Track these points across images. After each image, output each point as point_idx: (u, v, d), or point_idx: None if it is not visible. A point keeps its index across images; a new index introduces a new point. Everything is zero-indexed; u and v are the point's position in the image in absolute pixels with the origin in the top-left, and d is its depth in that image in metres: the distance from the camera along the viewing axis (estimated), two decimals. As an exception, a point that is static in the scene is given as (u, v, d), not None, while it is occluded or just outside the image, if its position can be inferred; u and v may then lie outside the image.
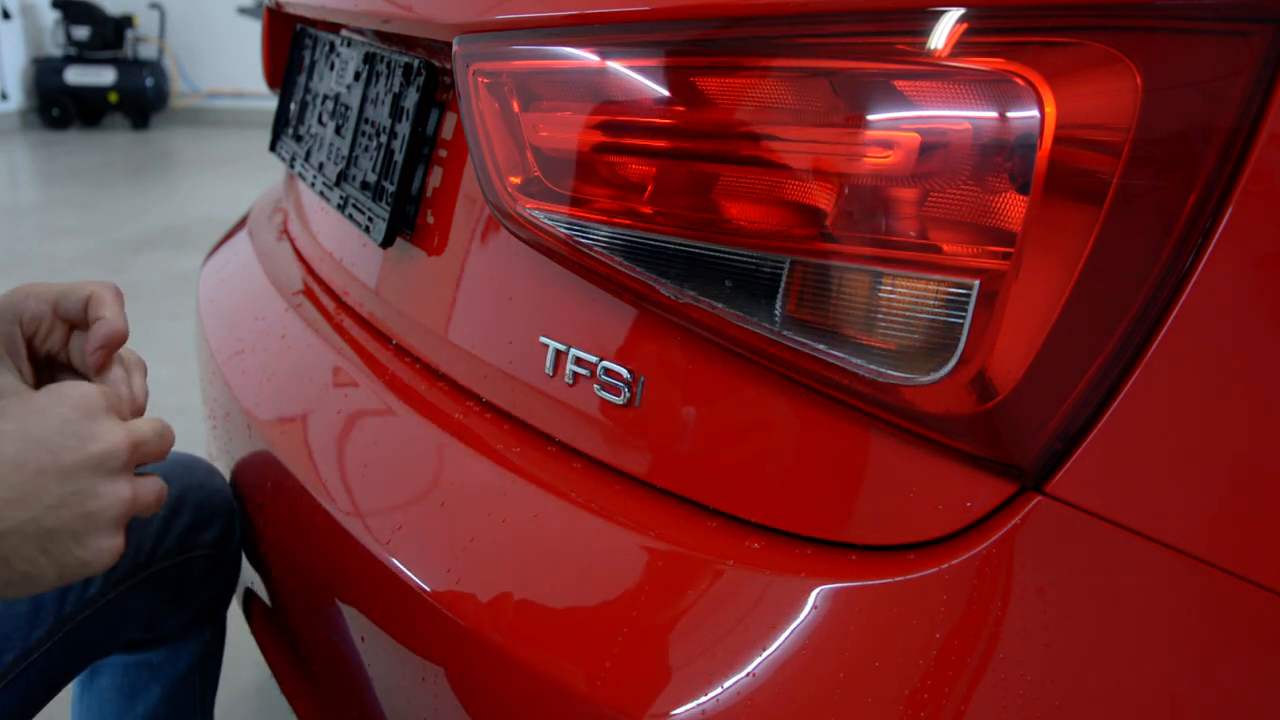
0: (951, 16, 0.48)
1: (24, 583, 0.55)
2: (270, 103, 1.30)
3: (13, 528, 0.53)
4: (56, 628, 0.80)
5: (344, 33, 1.05)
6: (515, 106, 0.66)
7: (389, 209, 0.85)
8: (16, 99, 6.88)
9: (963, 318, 0.50)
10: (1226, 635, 0.47)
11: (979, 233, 0.49)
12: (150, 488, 0.61)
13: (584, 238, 0.63)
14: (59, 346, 0.68)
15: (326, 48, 1.09)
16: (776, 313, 0.55)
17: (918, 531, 0.53)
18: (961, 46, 0.48)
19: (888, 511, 0.54)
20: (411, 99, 0.84)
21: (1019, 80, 0.47)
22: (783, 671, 0.52)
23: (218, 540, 0.93)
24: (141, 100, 6.92)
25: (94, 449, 0.56)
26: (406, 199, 0.85)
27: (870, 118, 0.51)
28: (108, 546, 0.57)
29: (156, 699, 0.99)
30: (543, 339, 0.69)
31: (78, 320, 0.67)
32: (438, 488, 0.71)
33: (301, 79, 1.18)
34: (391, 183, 0.85)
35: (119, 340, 0.65)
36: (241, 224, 1.39)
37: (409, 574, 0.66)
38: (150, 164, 5.97)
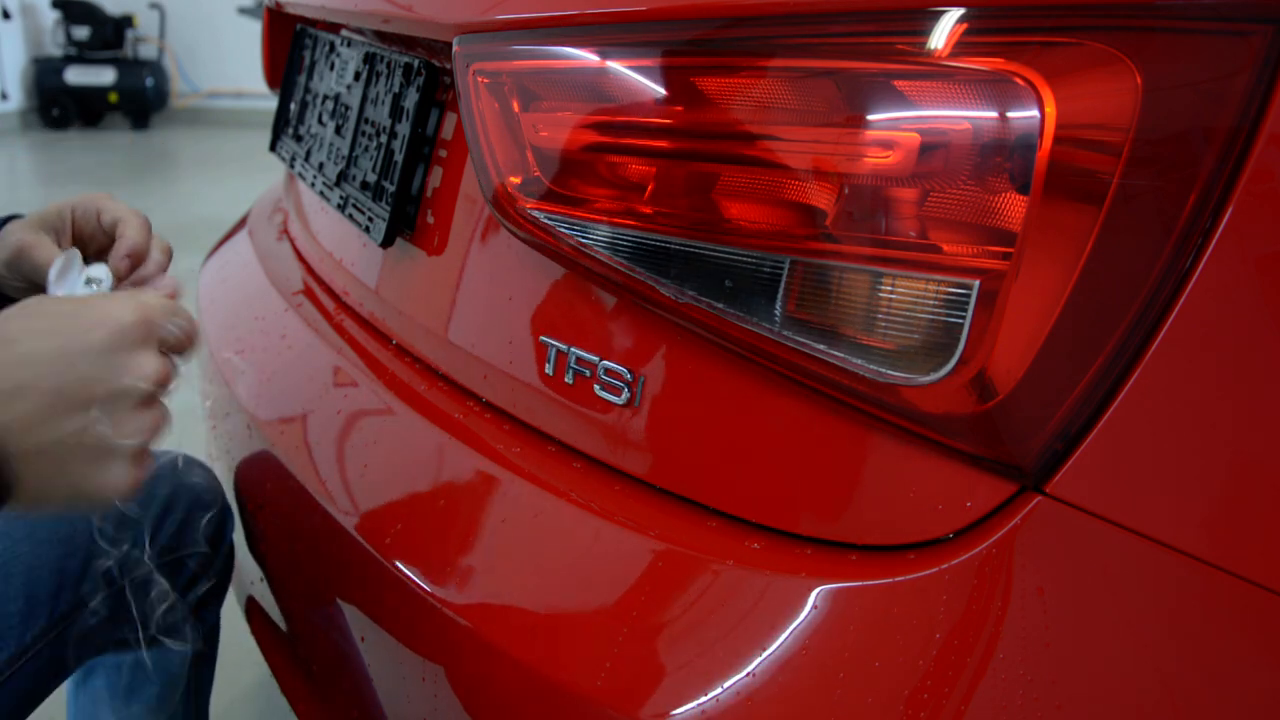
0: (951, 16, 0.48)
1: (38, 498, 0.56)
2: (270, 103, 1.30)
3: (36, 447, 0.54)
4: (51, 627, 0.80)
5: (344, 33, 1.05)
6: (515, 106, 0.66)
7: (389, 209, 0.85)
8: (16, 99, 6.88)
9: (963, 318, 0.50)
10: (1226, 635, 0.47)
11: (979, 233, 0.49)
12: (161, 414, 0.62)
13: (584, 238, 0.62)
14: (92, 247, 0.77)
15: (326, 48, 1.09)
16: (776, 313, 0.55)
17: (918, 531, 0.53)
18: (961, 46, 0.48)
19: (888, 511, 0.54)
20: (411, 99, 0.84)
21: (1019, 80, 0.47)
22: (783, 671, 0.52)
23: (211, 538, 0.93)
24: (141, 100, 6.92)
25: (126, 382, 0.57)
26: (406, 199, 0.85)
27: (870, 118, 0.51)
28: (120, 477, 0.58)
29: (151, 697, 0.99)
30: (543, 339, 0.69)
31: (107, 235, 0.77)
32: (437, 488, 0.71)
33: (301, 79, 1.18)
34: (391, 183, 0.85)
35: (138, 255, 0.75)
36: (241, 224, 1.39)
37: (409, 574, 0.66)
38: (150, 164, 5.97)
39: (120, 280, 0.75)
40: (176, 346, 0.63)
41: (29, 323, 0.56)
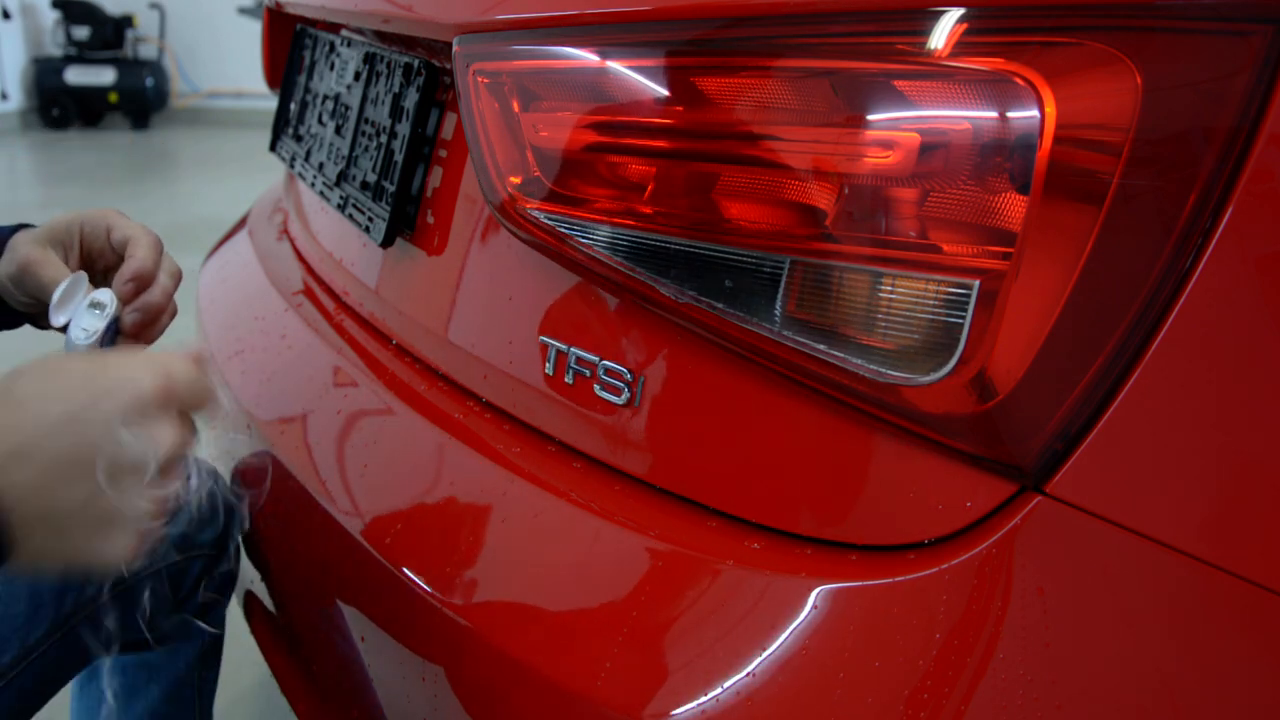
0: (951, 16, 0.48)
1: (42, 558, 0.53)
2: (270, 103, 1.30)
3: (38, 512, 0.52)
4: (55, 628, 0.80)
5: (344, 33, 1.05)
6: (515, 106, 0.66)
7: (389, 209, 0.85)
8: (16, 99, 6.88)
9: (963, 318, 0.50)
10: (1226, 635, 0.47)
11: (979, 233, 0.49)
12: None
13: (584, 238, 0.63)
14: (100, 264, 0.76)
15: (326, 48, 1.09)
16: (776, 313, 0.55)
17: (918, 531, 0.53)
18: (961, 46, 0.48)
19: (888, 511, 0.54)
20: (411, 99, 0.84)
21: (1019, 80, 0.47)
22: (783, 671, 0.52)
23: (216, 540, 0.93)
24: (141, 100, 6.91)
25: (137, 454, 0.54)
26: (406, 199, 0.85)
27: (870, 118, 0.51)
28: (120, 547, 0.55)
29: (155, 699, 0.99)
30: (543, 339, 0.69)
31: (116, 253, 0.75)
32: (438, 488, 0.71)
33: (301, 79, 1.18)
34: (391, 183, 0.85)
35: (144, 279, 0.72)
36: (241, 224, 1.39)
37: (409, 574, 0.66)
38: (150, 164, 5.97)
39: (125, 304, 0.72)
40: (196, 411, 0.59)
41: (42, 383, 0.53)
